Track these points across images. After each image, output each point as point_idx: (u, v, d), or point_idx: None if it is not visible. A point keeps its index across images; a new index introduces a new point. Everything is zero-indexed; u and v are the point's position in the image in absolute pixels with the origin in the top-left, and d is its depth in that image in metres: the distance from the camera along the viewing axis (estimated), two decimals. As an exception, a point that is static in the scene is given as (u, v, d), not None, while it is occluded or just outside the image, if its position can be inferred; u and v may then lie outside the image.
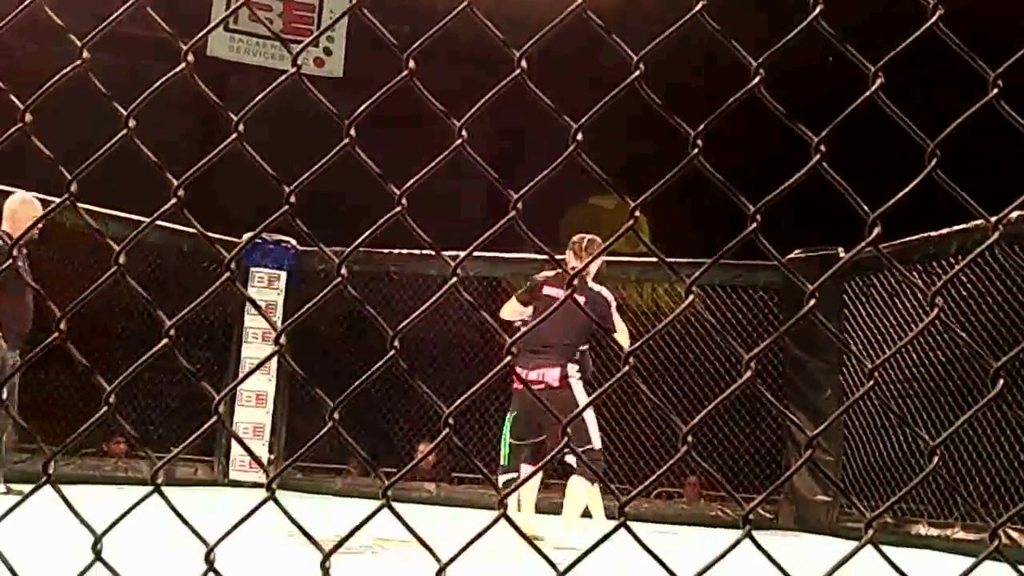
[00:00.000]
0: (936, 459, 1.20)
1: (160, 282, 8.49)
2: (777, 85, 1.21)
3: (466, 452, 6.04)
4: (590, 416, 5.70)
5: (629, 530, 1.19)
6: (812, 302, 1.13)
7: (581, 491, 5.63)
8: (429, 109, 1.19)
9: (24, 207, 6.22)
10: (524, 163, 13.21)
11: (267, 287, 9.45)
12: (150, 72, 1.34)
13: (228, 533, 1.23)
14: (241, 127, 1.22)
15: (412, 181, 1.19)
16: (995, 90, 1.14)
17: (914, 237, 7.01)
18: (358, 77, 13.01)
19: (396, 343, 1.17)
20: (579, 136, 1.15)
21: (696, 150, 1.12)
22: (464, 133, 1.15)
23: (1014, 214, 1.32)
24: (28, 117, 1.27)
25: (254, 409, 9.37)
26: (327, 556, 1.18)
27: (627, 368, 1.16)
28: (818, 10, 1.15)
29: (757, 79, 1.12)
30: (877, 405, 7.26)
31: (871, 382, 1.21)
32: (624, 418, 8.67)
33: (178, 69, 1.24)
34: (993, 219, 1.26)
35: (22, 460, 7.58)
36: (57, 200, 1.35)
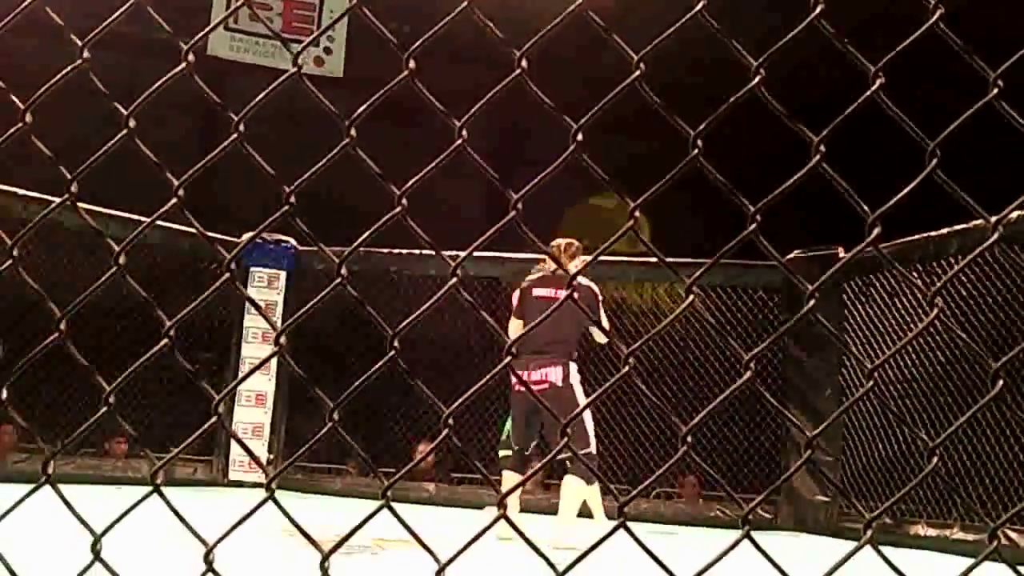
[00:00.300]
0: (936, 460, 1.20)
1: (160, 282, 8.49)
2: (777, 84, 1.21)
3: (465, 453, 6.04)
4: (588, 417, 5.72)
5: (628, 530, 1.19)
6: (812, 302, 1.13)
7: (576, 490, 5.63)
8: (429, 108, 1.19)
9: None
10: (524, 163, 13.22)
11: (267, 287, 9.45)
12: (151, 72, 1.34)
13: (227, 533, 1.23)
14: (242, 127, 1.22)
15: (412, 181, 1.19)
16: (995, 90, 1.14)
17: (914, 237, 7.01)
18: (358, 77, 13.02)
19: (396, 343, 1.17)
20: (579, 136, 1.15)
21: (696, 151, 1.12)
22: (464, 133, 1.15)
23: (1014, 214, 1.32)
24: (28, 117, 1.27)
25: (254, 409, 9.37)
26: (326, 556, 1.18)
27: (627, 368, 1.16)
28: (819, 9, 1.15)
29: (757, 79, 1.12)
30: (877, 405, 7.26)
31: (871, 382, 1.21)
32: (623, 418, 8.67)
33: (179, 69, 1.23)
34: (993, 219, 1.26)
35: (22, 460, 7.59)
36: (57, 200, 1.35)
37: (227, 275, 1.21)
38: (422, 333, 8.84)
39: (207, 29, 1.55)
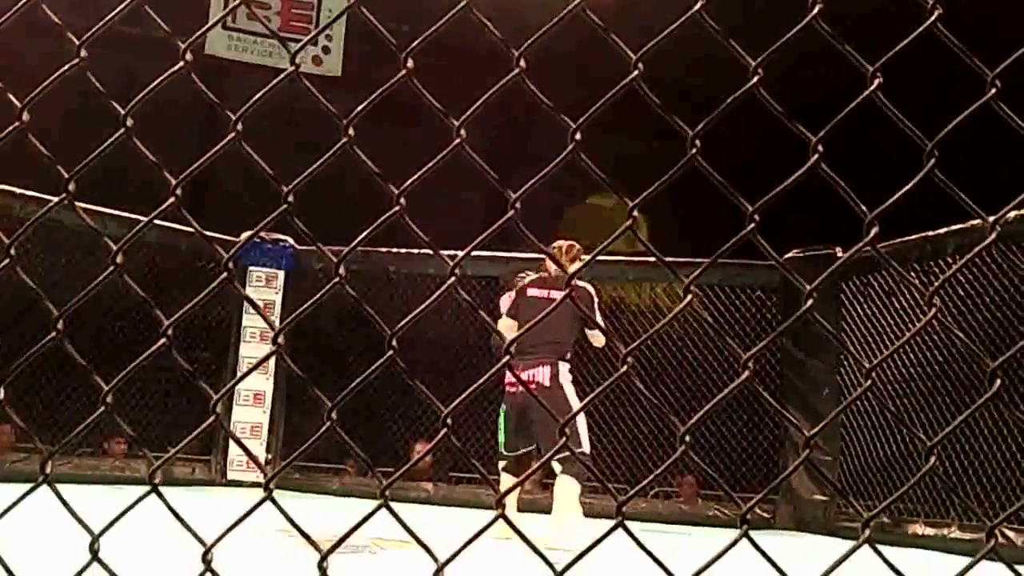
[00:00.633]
0: (933, 459, 1.20)
1: (159, 282, 8.50)
2: (775, 84, 1.21)
3: (464, 452, 6.04)
4: (581, 417, 5.72)
5: (627, 530, 1.19)
6: (810, 302, 1.13)
7: (570, 491, 5.62)
8: (428, 108, 1.19)
9: None
10: (523, 163, 13.22)
11: (265, 286, 9.45)
12: (150, 72, 1.34)
13: (226, 533, 1.23)
14: (240, 126, 1.22)
15: (411, 180, 1.19)
16: (993, 90, 1.14)
17: (911, 237, 7.02)
18: (357, 77, 13.02)
19: (394, 343, 1.17)
20: (578, 136, 1.15)
21: (694, 150, 1.12)
22: (463, 132, 1.15)
23: (1012, 214, 1.32)
24: (26, 116, 1.27)
25: (252, 409, 9.36)
26: (324, 556, 1.18)
27: (625, 368, 1.16)
28: (817, 9, 1.15)
29: (756, 79, 1.12)
30: (875, 405, 7.27)
31: (868, 382, 1.22)
32: (621, 418, 8.67)
33: (177, 67, 1.23)
34: (991, 219, 1.26)
35: (20, 459, 7.58)
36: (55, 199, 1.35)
37: (225, 274, 1.21)
38: (421, 333, 8.85)
39: (205, 27, 1.55)
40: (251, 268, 9.41)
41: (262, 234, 9.32)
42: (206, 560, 1.20)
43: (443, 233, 1.60)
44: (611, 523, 1.21)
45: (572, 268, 5.79)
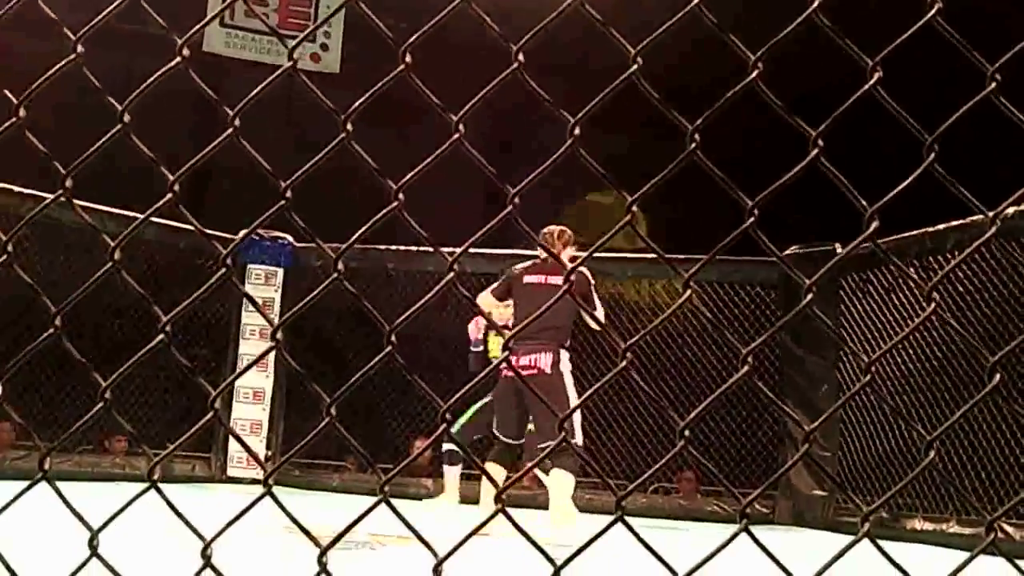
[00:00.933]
0: (933, 453, 1.20)
1: (159, 280, 8.49)
2: (775, 79, 1.21)
3: (464, 448, 6.05)
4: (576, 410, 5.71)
5: (626, 524, 1.19)
6: (810, 296, 1.13)
7: (566, 483, 5.61)
8: (429, 109, 1.19)
9: None
10: (523, 162, 13.20)
11: (264, 284, 9.44)
12: (148, 70, 1.34)
13: (225, 528, 1.23)
14: (237, 122, 1.21)
15: (409, 176, 1.19)
16: (993, 84, 1.14)
17: (911, 233, 7.02)
18: (356, 75, 13.01)
19: (393, 338, 1.17)
20: (576, 131, 1.15)
21: (694, 144, 1.12)
22: (462, 128, 1.15)
23: (1011, 209, 1.32)
24: (22, 112, 1.27)
25: (252, 406, 9.36)
26: (324, 551, 1.18)
27: (624, 363, 1.16)
28: (817, 2, 1.15)
29: (755, 73, 1.12)
30: (874, 400, 7.27)
31: (868, 376, 1.21)
32: (621, 413, 8.68)
33: (174, 63, 1.23)
34: (991, 213, 1.26)
35: (19, 456, 7.58)
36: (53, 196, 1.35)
37: (223, 270, 1.21)
38: (420, 329, 8.85)
39: (202, 23, 1.55)
40: (250, 266, 9.41)
41: (261, 231, 9.33)
42: (205, 556, 1.20)
43: (442, 232, 1.60)
44: (610, 518, 1.21)
45: (566, 252, 5.81)
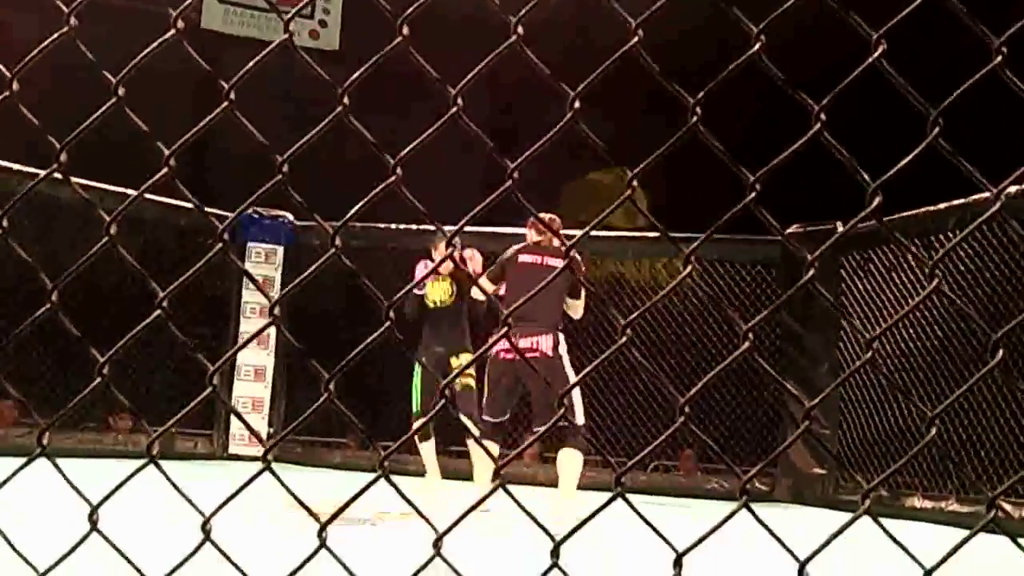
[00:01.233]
0: (934, 430, 1.20)
1: (159, 259, 8.49)
2: (777, 53, 1.20)
3: (465, 424, 6.06)
4: (577, 390, 5.73)
5: (626, 500, 1.19)
6: (811, 272, 1.12)
7: (575, 463, 5.63)
8: (428, 87, 1.18)
9: None
10: (524, 140, 13.15)
11: (264, 262, 9.44)
12: (145, 47, 1.32)
13: (224, 504, 1.23)
14: (232, 95, 1.20)
15: (407, 149, 1.18)
16: (999, 57, 1.13)
17: (913, 212, 7.01)
18: (356, 53, 12.95)
19: (391, 314, 1.17)
20: (576, 104, 1.14)
21: (695, 118, 1.10)
22: (460, 101, 1.14)
23: (1013, 188, 1.31)
24: (15, 86, 1.25)
25: (253, 383, 9.39)
26: (324, 526, 1.18)
27: (623, 340, 1.16)
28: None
29: (757, 46, 1.11)
30: (874, 379, 7.28)
31: (869, 353, 1.21)
32: (621, 391, 8.69)
33: (168, 35, 1.22)
34: (995, 190, 1.25)
35: (22, 434, 7.61)
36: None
37: (220, 245, 1.20)
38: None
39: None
40: (250, 244, 9.41)
41: (260, 209, 9.31)
42: (205, 530, 1.20)
43: (443, 211, 1.59)
44: (610, 495, 1.20)
45: (557, 240, 5.84)
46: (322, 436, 9.69)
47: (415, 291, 6.38)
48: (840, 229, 7.74)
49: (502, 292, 5.85)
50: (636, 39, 1.09)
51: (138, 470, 1.25)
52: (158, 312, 1.22)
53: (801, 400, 7.21)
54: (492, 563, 3.69)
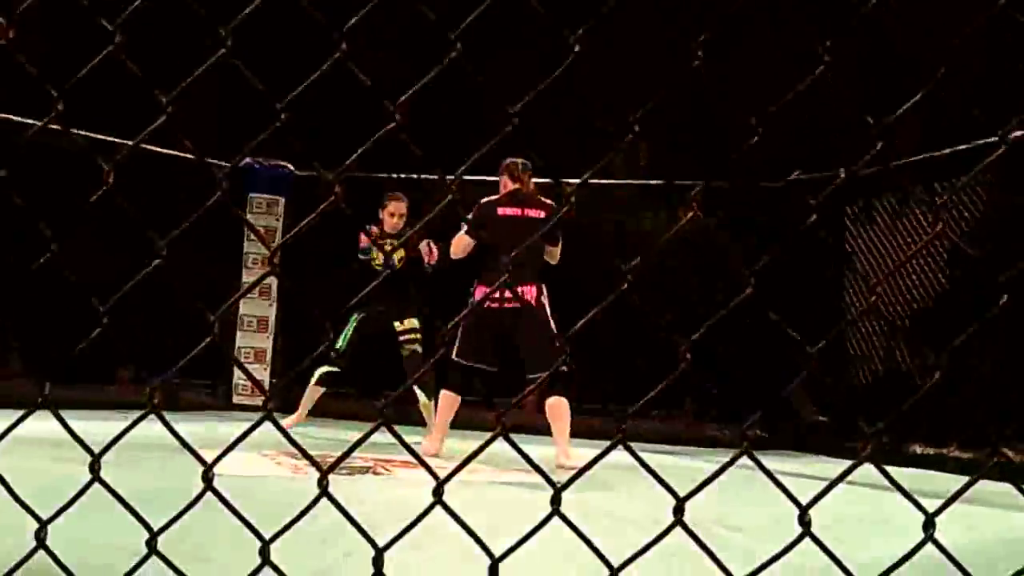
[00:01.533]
0: (937, 375, 1.20)
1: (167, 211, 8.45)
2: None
3: (465, 372, 6.10)
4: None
5: (627, 447, 1.19)
6: (814, 216, 1.11)
7: (566, 410, 5.68)
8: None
9: None
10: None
11: (265, 212, 9.42)
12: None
13: (225, 452, 1.24)
14: (230, 41, 1.18)
15: (407, 93, 1.16)
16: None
17: (916, 157, 6.96)
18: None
19: (393, 260, 1.16)
20: (577, 48, 1.12)
21: (697, 61, 1.09)
22: (459, 45, 1.12)
23: (1018, 132, 1.29)
24: (11, 33, 1.24)
25: (256, 335, 9.41)
26: (324, 474, 1.19)
27: (625, 286, 1.15)
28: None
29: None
30: (879, 326, 7.29)
31: (873, 298, 1.20)
32: (624, 338, 8.70)
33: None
34: (1000, 133, 1.23)
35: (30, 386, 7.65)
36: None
37: (219, 194, 1.19)
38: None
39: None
40: (252, 195, 9.38)
41: (261, 159, 9.26)
42: (207, 479, 1.21)
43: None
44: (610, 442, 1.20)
45: (530, 186, 5.91)
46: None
47: (361, 256, 6.45)
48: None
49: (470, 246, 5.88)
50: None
51: (139, 419, 1.25)
52: (158, 261, 1.21)
53: (803, 344, 7.22)
54: (492, 511, 3.72)
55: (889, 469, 1.21)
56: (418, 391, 6.98)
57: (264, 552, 1.20)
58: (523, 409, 7.75)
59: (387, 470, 4.80)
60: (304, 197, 9.33)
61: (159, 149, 8.17)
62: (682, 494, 1.17)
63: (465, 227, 5.90)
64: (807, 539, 1.15)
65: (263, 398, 1.27)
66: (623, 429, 1.15)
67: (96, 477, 1.25)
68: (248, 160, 9.09)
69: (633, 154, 9.31)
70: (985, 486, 1.37)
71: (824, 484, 1.19)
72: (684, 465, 6.32)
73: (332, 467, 1.18)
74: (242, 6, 1.27)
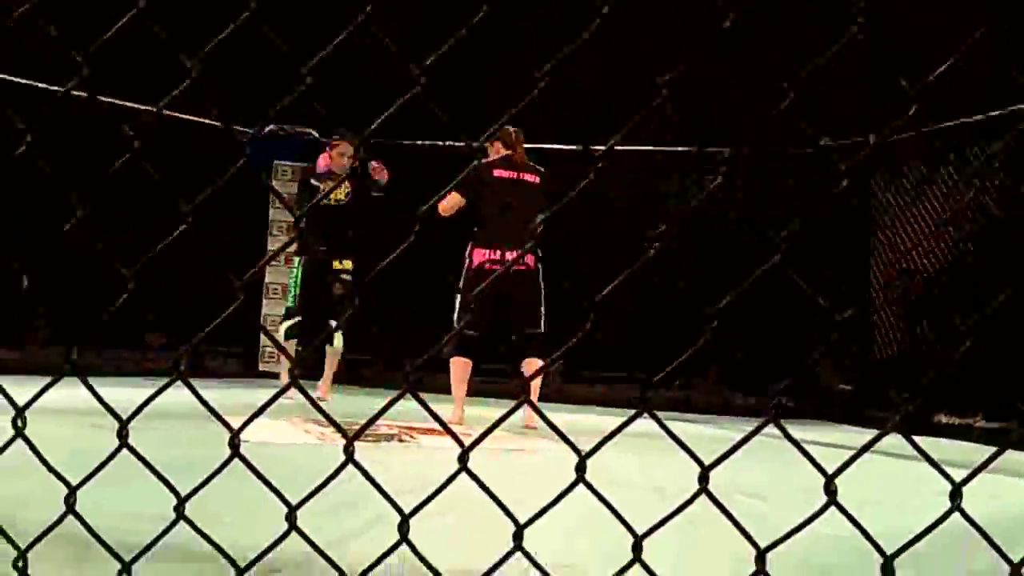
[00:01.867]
0: (964, 345, 1.18)
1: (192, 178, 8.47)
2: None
3: (490, 341, 6.15)
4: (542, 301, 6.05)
5: (652, 414, 1.19)
6: (845, 182, 1.10)
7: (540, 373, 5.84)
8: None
9: None
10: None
11: (291, 180, 9.43)
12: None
13: (252, 419, 1.24)
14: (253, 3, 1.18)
15: (431, 57, 1.15)
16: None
17: (945, 124, 6.87)
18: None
19: (417, 227, 1.16)
20: (606, 9, 1.10)
21: (729, 23, 1.07)
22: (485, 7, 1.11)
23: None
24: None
25: (281, 302, 9.46)
26: (350, 441, 1.19)
27: (651, 252, 1.14)
28: None
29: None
30: (903, 293, 7.23)
31: (901, 267, 1.19)
32: (647, 306, 8.66)
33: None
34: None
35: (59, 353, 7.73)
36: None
37: (242, 160, 1.19)
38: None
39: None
40: (278, 162, 9.40)
41: (285, 127, 9.27)
42: (233, 444, 1.21)
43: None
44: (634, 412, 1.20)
45: (522, 153, 6.06)
46: (351, 353, 9.76)
47: (312, 181, 6.53)
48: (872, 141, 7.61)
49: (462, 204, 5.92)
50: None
51: (166, 386, 1.26)
52: (184, 226, 1.21)
53: (831, 313, 7.18)
54: (516, 478, 3.73)
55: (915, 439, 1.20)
56: (337, 336, 7.30)
57: (291, 518, 1.21)
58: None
59: (412, 437, 4.83)
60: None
61: (183, 115, 8.19)
62: (707, 462, 1.17)
63: (458, 187, 5.96)
64: (833, 508, 1.14)
65: (289, 365, 1.27)
66: (648, 398, 1.14)
67: (124, 443, 1.26)
68: (272, 127, 9.10)
69: (661, 120, 9.23)
70: (1010, 455, 1.36)
71: (848, 453, 1.18)
72: (708, 433, 6.32)
73: (358, 434, 1.18)
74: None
